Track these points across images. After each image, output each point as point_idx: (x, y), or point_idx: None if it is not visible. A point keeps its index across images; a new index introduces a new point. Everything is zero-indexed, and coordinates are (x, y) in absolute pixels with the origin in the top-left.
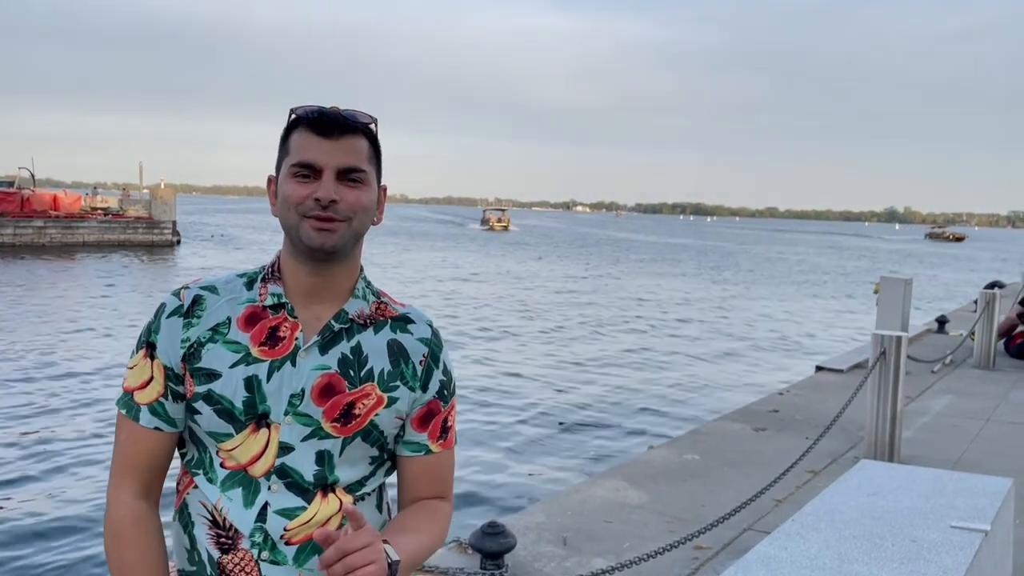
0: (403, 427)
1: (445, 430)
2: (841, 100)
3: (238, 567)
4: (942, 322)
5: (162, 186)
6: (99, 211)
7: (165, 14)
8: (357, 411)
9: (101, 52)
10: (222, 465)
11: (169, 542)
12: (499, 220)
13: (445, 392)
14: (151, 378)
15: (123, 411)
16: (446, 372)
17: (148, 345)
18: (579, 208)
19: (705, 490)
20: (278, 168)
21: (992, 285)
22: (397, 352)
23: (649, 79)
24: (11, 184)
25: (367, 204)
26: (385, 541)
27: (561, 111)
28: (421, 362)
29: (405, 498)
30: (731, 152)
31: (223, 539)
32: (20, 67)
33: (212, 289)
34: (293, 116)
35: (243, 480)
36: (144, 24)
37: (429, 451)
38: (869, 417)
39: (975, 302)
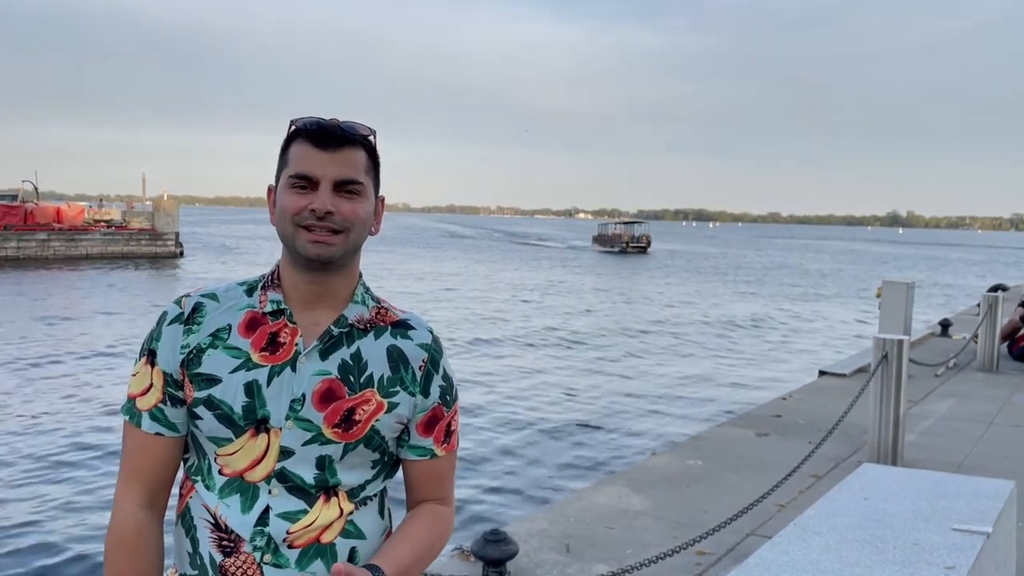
0: (406, 431)
1: (448, 434)
2: (842, 105)
3: (240, 570)
4: (945, 325)
5: (165, 198)
6: (102, 223)
7: (166, 25)
8: (358, 417)
9: (103, 64)
10: (220, 472)
11: (171, 543)
12: (635, 239)
13: (447, 397)
14: (151, 385)
15: (127, 417)
16: (446, 378)
17: (149, 352)
18: (581, 215)
19: (708, 496)
20: (277, 179)
21: (995, 288)
22: (397, 358)
23: (649, 86)
24: (14, 197)
25: (363, 216)
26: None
27: (561, 119)
28: (420, 367)
29: (410, 500)
30: (732, 158)
31: (225, 542)
32: (22, 80)
33: (213, 296)
34: (292, 128)
35: (240, 487)
36: (146, 36)
37: (434, 455)
38: (872, 421)
39: (978, 305)
